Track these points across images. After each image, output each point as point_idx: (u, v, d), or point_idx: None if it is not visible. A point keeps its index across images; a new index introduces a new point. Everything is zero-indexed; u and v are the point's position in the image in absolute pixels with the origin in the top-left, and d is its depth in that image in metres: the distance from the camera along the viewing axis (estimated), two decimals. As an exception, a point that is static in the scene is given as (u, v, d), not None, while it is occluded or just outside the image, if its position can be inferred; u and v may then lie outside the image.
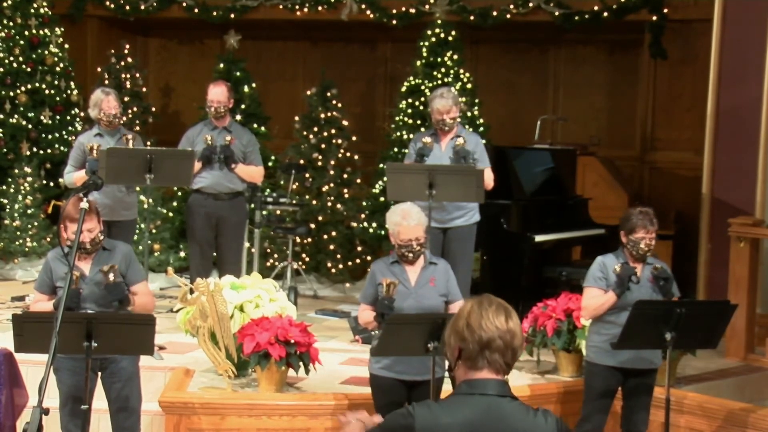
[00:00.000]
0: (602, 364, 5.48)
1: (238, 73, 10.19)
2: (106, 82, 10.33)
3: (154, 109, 11.04)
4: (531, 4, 10.43)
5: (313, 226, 9.62)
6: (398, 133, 9.78)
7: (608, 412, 5.56)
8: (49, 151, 10.13)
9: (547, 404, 6.16)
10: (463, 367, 2.80)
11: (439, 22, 9.94)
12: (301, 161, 9.84)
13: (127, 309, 5.10)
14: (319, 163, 9.89)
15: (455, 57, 9.82)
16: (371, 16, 10.73)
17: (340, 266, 9.73)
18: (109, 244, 5.24)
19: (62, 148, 10.04)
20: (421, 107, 9.73)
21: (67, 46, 10.54)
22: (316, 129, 9.97)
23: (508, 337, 2.76)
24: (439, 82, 9.62)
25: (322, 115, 9.97)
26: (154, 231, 9.62)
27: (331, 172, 9.88)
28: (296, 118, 10.17)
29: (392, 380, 5.23)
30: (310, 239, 9.72)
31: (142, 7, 11.18)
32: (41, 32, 10.32)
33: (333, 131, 9.97)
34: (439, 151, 7.01)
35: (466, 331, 2.78)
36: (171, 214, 9.95)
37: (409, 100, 9.83)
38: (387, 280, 5.19)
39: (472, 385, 2.77)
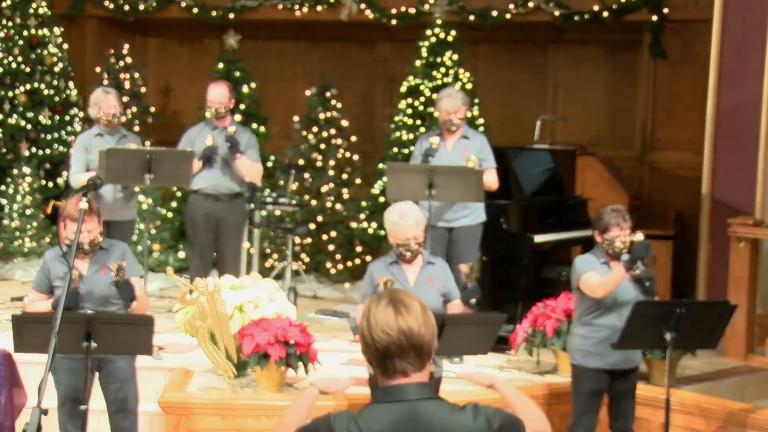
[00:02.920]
0: (590, 366, 5.46)
1: (237, 73, 10.18)
2: (105, 82, 10.32)
3: (153, 109, 11.02)
4: (531, 4, 10.42)
5: (312, 226, 9.61)
6: (398, 134, 9.77)
7: (598, 411, 5.57)
8: (48, 151, 10.13)
9: (546, 404, 6.15)
10: (378, 375, 2.70)
11: (438, 22, 9.93)
12: (301, 161, 9.83)
13: (131, 306, 5.09)
14: (319, 164, 9.88)
15: (455, 57, 9.81)
16: (371, 16, 10.72)
17: (340, 266, 9.72)
18: (106, 243, 5.24)
19: (61, 148, 10.04)
20: (421, 107, 9.72)
21: (66, 46, 10.54)
22: (315, 129, 9.96)
23: (403, 339, 2.61)
24: (439, 82, 9.62)
25: (322, 116, 9.96)
26: (153, 231, 9.63)
27: (331, 173, 9.87)
28: (295, 118, 10.16)
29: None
30: (309, 239, 9.71)
31: (142, 7, 11.18)
32: (40, 32, 10.32)
33: (332, 131, 9.97)
34: (445, 152, 6.99)
35: (363, 344, 2.69)
36: (170, 214, 9.95)
37: (409, 100, 9.82)
38: (383, 279, 5.17)
39: (389, 392, 2.67)
